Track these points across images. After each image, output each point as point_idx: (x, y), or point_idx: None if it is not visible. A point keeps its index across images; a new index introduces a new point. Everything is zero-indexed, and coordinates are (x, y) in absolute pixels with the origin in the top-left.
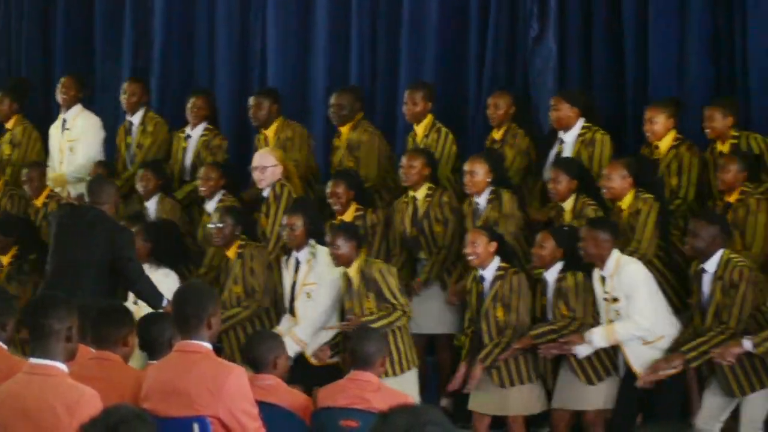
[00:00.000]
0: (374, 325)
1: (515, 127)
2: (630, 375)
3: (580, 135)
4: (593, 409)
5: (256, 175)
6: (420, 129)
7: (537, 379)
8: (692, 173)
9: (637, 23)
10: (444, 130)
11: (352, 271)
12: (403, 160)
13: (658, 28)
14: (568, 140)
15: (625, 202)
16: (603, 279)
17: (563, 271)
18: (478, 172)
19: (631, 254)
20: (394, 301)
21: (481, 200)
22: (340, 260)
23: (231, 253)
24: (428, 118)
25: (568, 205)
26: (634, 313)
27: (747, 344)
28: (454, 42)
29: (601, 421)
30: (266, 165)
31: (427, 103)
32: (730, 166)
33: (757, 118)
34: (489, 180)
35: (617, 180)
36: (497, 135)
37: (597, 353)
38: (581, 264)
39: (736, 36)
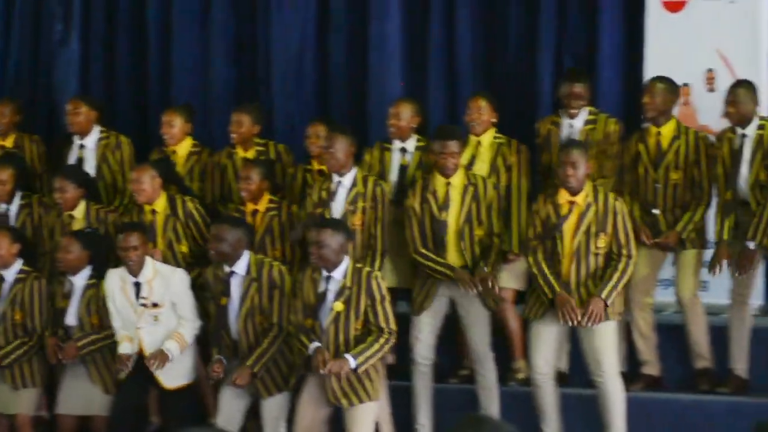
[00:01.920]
0: None
1: (24, 134)
2: (128, 381)
3: (101, 139)
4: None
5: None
6: None
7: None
8: (215, 178)
9: (162, 26)
10: None
11: None
12: None
13: (182, 32)
14: (89, 145)
15: (159, 204)
16: (137, 285)
17: (94, 277)
18: (4, 179)
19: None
20: None
21: (13, 207)
22: None
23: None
24: None
25: (78, 213)
26: (187, 315)
27: (352, 362)
28: None
29: (105, 426)
30: None
31: None
32: (252, 174)
33: (280, 124)
34: (11, 186)
35: (147, 182)
36: (8, 143)
37: (107, 364)
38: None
39: (258, 41)
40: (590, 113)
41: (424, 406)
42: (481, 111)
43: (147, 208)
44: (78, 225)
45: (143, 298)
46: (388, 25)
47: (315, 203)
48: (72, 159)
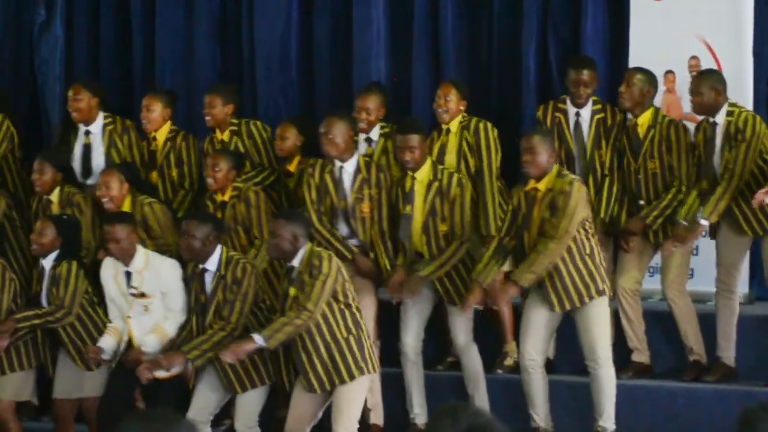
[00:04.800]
0: None
1: None
2: (121, 365)
3: (107, 125)
4: (92, 396)
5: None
6: None
7: (31, 367)
8: (193, 163)
9: (145, 9)
10: None
11: None
12: None
13: (165, 15)
14: (95, 131)
15: (126, 206)
16: (128, 274)
17: (58, 259)
18: None
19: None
20: None
21: None
22: None
23: None
24: None
25: (54, 196)
26: (175, 307)
27: (258, 339)
28: None
29: (96, 407)
30: None
31: None
32: (221, 164)
33: (263, 106)
34: None
35: (116, 187)
36: None
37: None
38: (76, 253)
39: (243, 23)
40: (594, 102)
41: (417, 396)
42: (449, 98)
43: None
44: (55, 209)
45: (133, 287)
46: (373, 10)
47: (317, 186)
48: (78, 146)
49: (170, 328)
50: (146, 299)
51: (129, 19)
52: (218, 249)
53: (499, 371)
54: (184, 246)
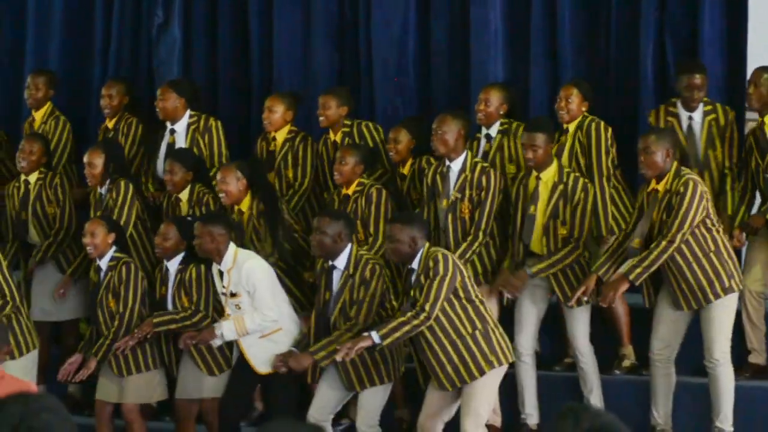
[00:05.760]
0: None
1: (128, 116)
2: (239, 367)
3: (191, 124)
4: (211, 397)
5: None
6: (38, 116)
7: (157, 367)
8: (308, 164)
9: (263, 12)
10: (62, 118)
11: None
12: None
13: (283, 17)
14: (180, 130)
15: (245, 204)
16: (221, 273)
17: (184, 262)
18: (96, 163)
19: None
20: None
21: (104, 189)
22: None
23: None
24: (47, 105)
25: (184, 196)
26: (262, 306)
27: (375, 337)
28: (79, 29)
29: (216, 408)
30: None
31: (49, 90)
32: (348, 158)
33: (380, 108)
34: (101, 170)
35: (233, 183)
36: (110, 124)
37: (209, 346)
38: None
39: (360, 26)
40: (705, 103)
41: (529, 397)
42: (570, 100)
43: (236, 207)
44: (184, 208)
45: (223, 287)
46: (490, 10)
47: (429, 187)
48: (163, 144)
49: (250, 324)
50: (236, 298)
51: (246, 21)
52: (348, 247)
53: (617, 372)
54: (315, 242)
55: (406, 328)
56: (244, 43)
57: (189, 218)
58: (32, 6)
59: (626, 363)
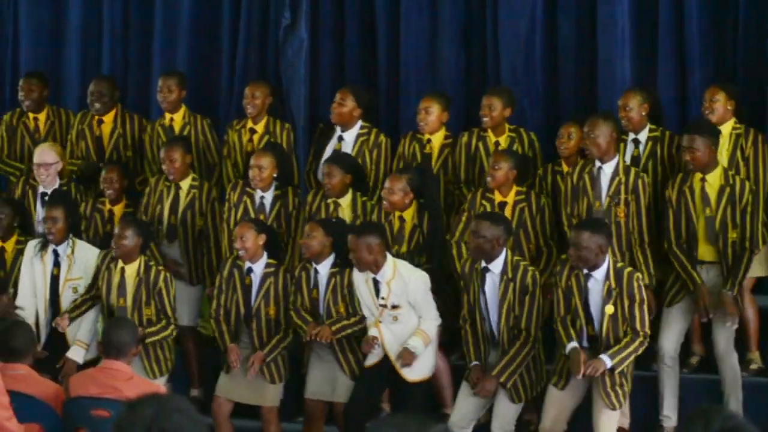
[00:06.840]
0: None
1: (277, 120)
2: (366, 369)
3: (360, 135)
4: (342, 401)
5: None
6: (177, 117)
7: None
8: (461, 167)
9: (390, 13)
10: (200, 118)
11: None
12: (164, 153)
13: (410, 18)
14: (348, 139)
15: (408, 213)
16: (376, 282)
17: (337, 266)
18: (264, 166)
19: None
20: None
21: (268, 195)
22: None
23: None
24: (183, 108)
25: (345, 201)
26: (430, 315)
27: (607, 361)
28: (206, 30)
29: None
30: (50, 162)
31: (182, 92)
32: (501, 162)
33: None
34: (275, 175)
35: (399, 194)
36: (259, 127)
37: (353, 350)
38: (347, 257)
39: (487, 26)
40: None
41: (669, 399)
42: (715, 99)
43: (396, 213)
44: (344, 213)
45: (382, 299)
46: (617, 8)
47: (574, 187)
48: (329, 150)
49: (430, 331)
50: (396, 310)
51: (373, 23)
52: (503, 251)
53: (744, 374)
54: (473, 245)
55: (633, 356)
56: (370, 43)
57: (333, 219)
58: (160, 10)
59: (753, 366)
